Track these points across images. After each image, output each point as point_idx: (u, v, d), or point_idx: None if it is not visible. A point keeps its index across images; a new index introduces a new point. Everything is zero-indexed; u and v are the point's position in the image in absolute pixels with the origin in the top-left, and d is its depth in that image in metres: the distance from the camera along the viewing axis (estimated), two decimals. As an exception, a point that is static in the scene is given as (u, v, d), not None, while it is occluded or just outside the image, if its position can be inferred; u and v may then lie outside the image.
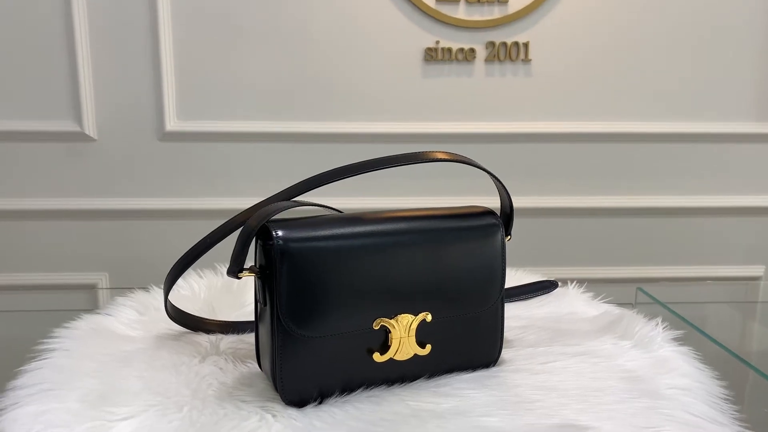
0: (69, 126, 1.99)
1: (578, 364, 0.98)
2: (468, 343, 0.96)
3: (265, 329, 0.86)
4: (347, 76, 2.03)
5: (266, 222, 0.83)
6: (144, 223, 2.08)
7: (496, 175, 0.98)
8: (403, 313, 0.89)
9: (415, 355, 0.91)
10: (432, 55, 2.05)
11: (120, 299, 1.19)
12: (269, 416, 0.80)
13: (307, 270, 0.82)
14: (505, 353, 1.00)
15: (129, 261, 2.11)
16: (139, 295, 1.21)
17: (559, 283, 1.34)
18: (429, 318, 0.91)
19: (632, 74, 2.13)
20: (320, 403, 0.85)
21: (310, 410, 0.82)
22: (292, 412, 0.82)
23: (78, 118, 1.96)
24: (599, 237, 2.24)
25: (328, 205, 1.07)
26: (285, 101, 2.02)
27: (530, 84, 2.11)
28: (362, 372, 0.88)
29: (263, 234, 0.83)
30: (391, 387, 0.89)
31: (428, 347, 0.91)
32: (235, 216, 0.96)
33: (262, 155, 2.03)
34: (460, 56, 2.04)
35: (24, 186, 2.00)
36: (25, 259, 2.07)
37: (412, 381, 0.92)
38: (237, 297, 1.22)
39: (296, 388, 0.84)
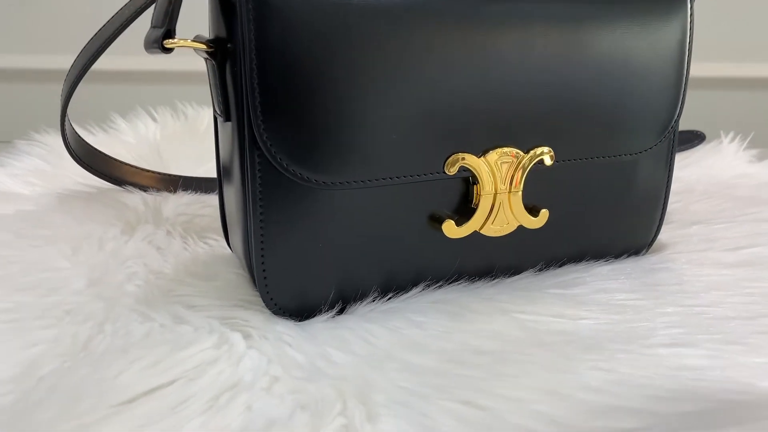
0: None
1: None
2: (612, 210, 0.53)
3: (233, 172, 0.44)
4: None
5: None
6: None
7: None
8: (503, 146, 0.45)
9: (521, 228, 0.48)
10: None
11: (21, 144, 0.77)
12: (237, 337, 0.40)
13: (310, 47, 0.38)
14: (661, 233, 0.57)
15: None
16: (48, 138, 0.78)
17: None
18: (549, 159, 0.47)
19: None
20: (340, 312, 0.44)
21: (320, 327, 0.41)
22: (285, 329, 0.41)
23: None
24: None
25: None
26: None
27: None
28: (421, 256, 0.46)
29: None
30: (476, 284, 0.48)
31: (544, 215, 0.48)
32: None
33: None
34: None
35: None
36: None
37: (512, 275, 0.50)
38: (204, 144, 0.78)
39: (293, 285, 0.43)
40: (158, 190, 0.62)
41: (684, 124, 0.89)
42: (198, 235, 0.54)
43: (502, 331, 0.41)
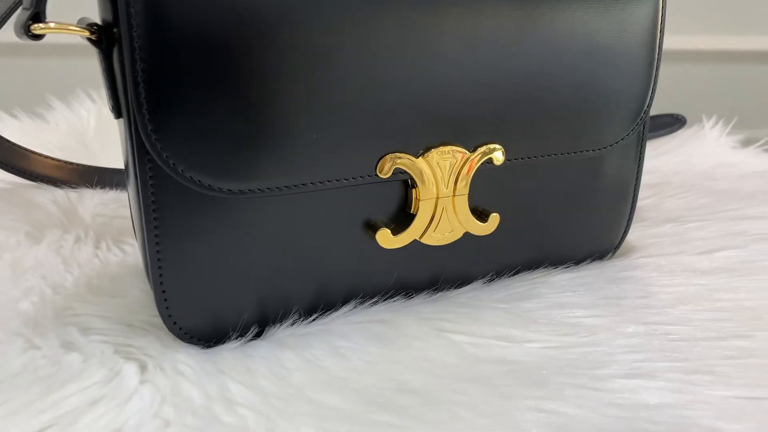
0: None
1: (774, 256, 0.50)
2: (574, 212, 0.47)
3: (129, 176, 0.38)
4: None
5: None
6: None
7: None
8: (446, 144, 0.40)
9: (468, 234, 0.43)
10: None
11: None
12: (130, 369, 0.34)
13: (210, 29, 0.32)
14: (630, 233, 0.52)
15: None
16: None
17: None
18: (500, 157, 0.41)
19: None
20: (258, 335, 0.39)
21: (228, 356, 0.36)
22: (186, 357, 0.36)
23: None
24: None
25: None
26: None
27: None
28: (354, 269, 0.41)
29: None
30: (416, 298, 0.42)
31: (494, 219, 0.43)
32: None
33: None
34: None
35: None
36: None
37: (459, 287, 0.45)
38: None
39: (199, 305, 0.37)
40: (76, 185, 0.56)
41: (664, 104, 0.84)
42: (114, 239, 0.49)
43: (436, 359, 0.36)
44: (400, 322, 0.39)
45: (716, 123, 0.81)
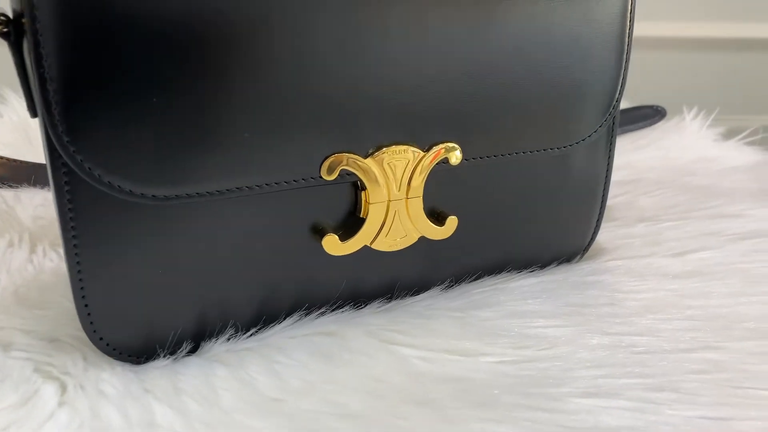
0: None
1: (750, 257, 0.48)
2: (539, 213, 0.45)
3: (48, 177, 0.35)
4: None
5: None
6: None
7: None
8: (397, 143, 0.37)
9: (424, 239, 0.40)
10: None
11: None
12: (49, 390, 0.32)
13: (125, 24, 0.29)
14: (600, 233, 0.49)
15: None
16: None
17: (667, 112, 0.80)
18: (458, 156, 0.39)
19: None
20: (194, 350, 0.36)
21: (157, 374, 0.33)
22: (111, 376, 0.33)
23: None
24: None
25: None
26: None
27: None
28: (302, 277, 0.38)
29: None
30: (368, 307, 0.40)
31: (452, 222, 0.40)
32: None
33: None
34: None
35: None
36: None
37: (416, 294, 0.42)
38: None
39: (127, 318, 0.35)
40: (17, 184, 0.53)
41: (644, 94, 0.81)
42: (52, 243, 0.46)
43: (381, 377, 0.33)
44: (346, 334, 0.36)
45: (697, 115, 0.79)
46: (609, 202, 0.55)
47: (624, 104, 0.84)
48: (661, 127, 0.78)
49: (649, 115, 0.77)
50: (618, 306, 0.41)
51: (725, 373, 0.35)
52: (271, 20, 0.31)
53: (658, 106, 0.79)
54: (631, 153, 0.69)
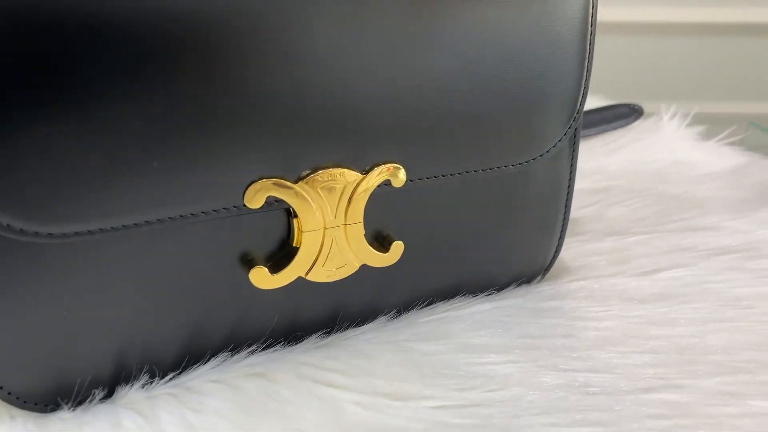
0: None
1: (723, 275, 0.45)
2: (495, 232, 0.42)
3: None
4: None
5: None
6: None
7: None
8: (331, 165, 0.34)
9: (364, 268, 0.37)
10: None
11: None
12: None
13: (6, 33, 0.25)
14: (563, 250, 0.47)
15: None
16: None
17: (644, 111, 0.77)
18: (401, 178, 0.35)
19: None
20: (109, 396, 0.33)
21: (58, 427, 0.30)
22: (9, 428, 0.30)
23: None
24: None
25: None
26: None
27: None
28: (231, 313, 0.35)
29: None
30: (304, 343, 0.37)
31: (397, 248, 0.37)
32: None
33: None
34: None
35: None
36: None
37: (360, 325, 0.39)
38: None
39: (28, 363, 0.31)
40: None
41: (624, 85, 0.78)
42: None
43: (313, 421, 0.30)
44: (276, 377, 0.33)
45: (675, 113, 0.75)
46: (577, 213, 0.52)
47: (600, 98, 0.81)
48: (637, 127, 0.74)
49: (624, 114, 0.74)
50: (575, 337, 0.38)
51: (686, 418, 0.32)
52: (184, 47, 0.28)
53: (634, 105, 0.76)
54: (604, 157, 0.66)
